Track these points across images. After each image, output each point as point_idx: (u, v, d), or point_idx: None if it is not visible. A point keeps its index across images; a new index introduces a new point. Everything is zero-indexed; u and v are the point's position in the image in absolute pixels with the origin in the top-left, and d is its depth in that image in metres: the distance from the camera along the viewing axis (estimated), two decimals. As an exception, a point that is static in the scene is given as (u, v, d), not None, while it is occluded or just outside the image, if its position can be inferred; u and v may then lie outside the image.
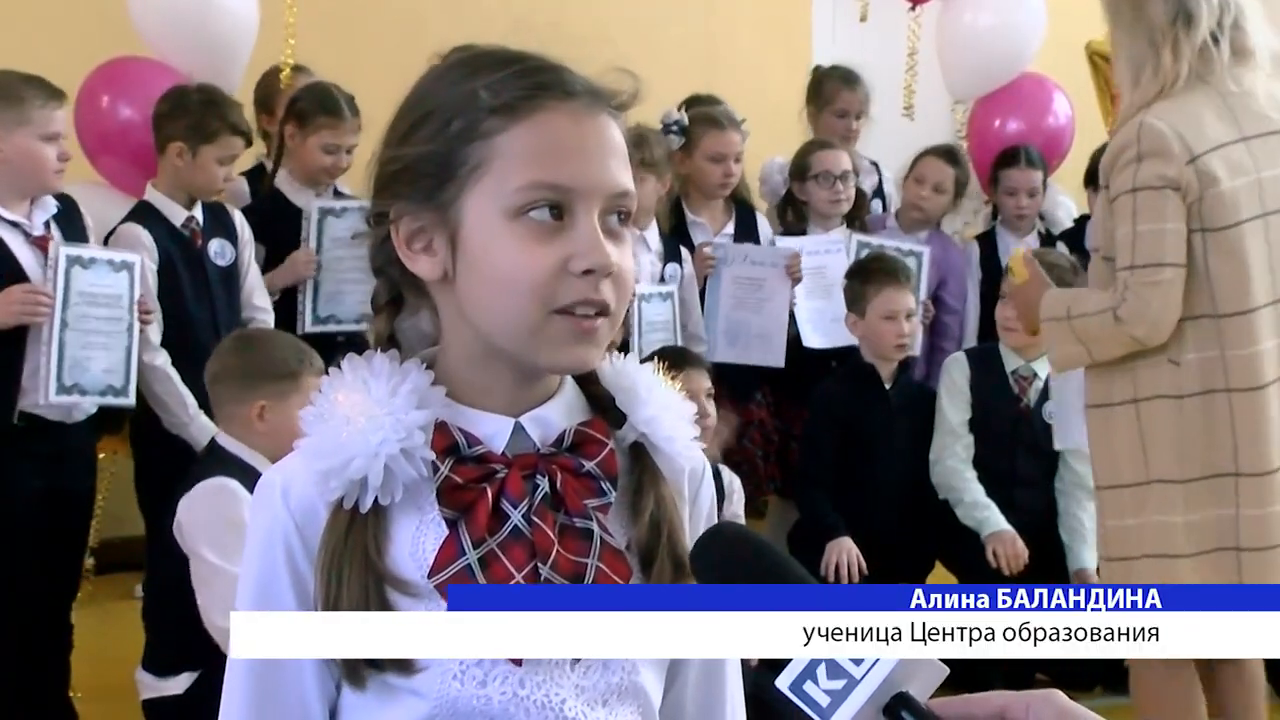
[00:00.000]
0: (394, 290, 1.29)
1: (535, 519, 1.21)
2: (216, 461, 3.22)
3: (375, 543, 1.21)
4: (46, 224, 3.67)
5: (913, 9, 5.43)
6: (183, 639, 3.25)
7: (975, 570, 4.31)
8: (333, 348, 4.06)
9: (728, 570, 1.02)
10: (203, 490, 3.15)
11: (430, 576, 1.20)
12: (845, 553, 4.15)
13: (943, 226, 5.15)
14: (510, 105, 1.20)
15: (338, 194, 4.38)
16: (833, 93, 5.20)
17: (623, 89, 1.25)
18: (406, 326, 1.30)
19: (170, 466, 3.91)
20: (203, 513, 3.12)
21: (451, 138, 1.21)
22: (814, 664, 0.93)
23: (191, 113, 3.97)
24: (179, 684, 3.28)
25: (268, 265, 4.26)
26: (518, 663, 1.20)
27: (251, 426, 3.21)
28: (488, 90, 1.20)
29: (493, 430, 1.25)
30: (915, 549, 4.40)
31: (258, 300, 4.12)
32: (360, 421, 1.21)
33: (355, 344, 4.29)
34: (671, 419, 1.30)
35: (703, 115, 4.67)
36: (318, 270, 4.20)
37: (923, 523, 4.37)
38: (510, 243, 1.19)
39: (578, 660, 1.22)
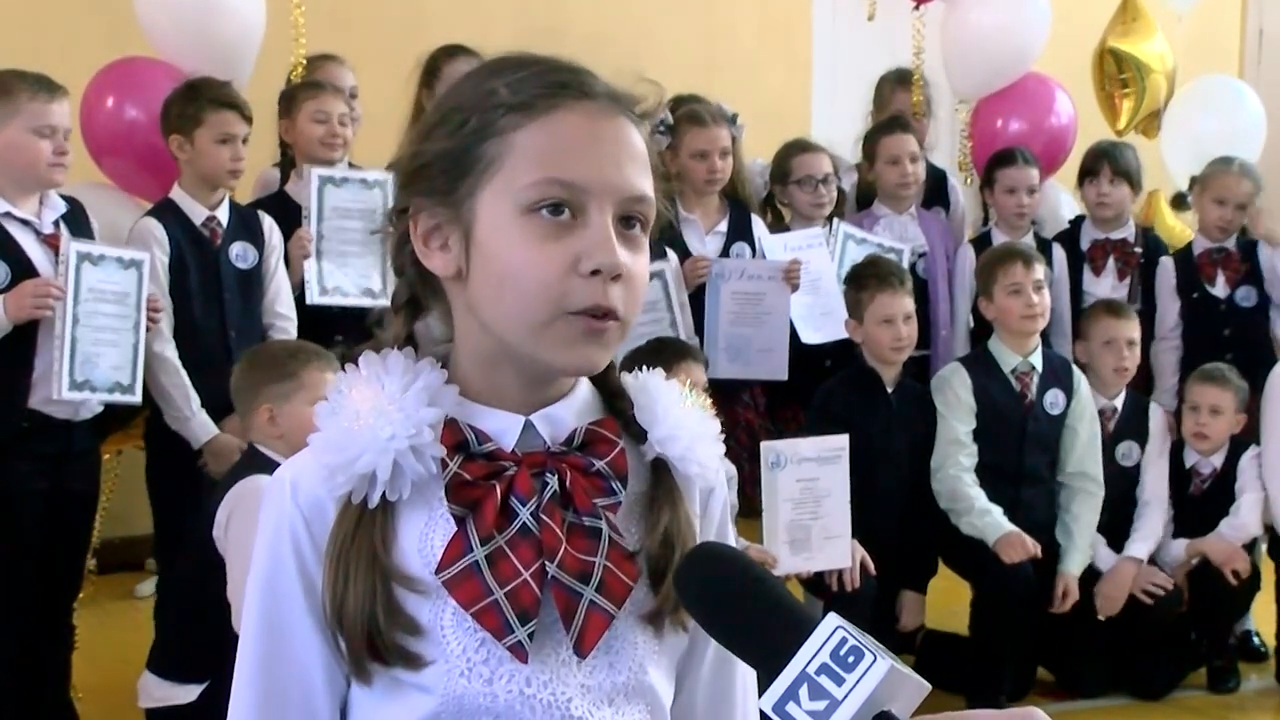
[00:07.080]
0: (412, 290, 1.29)
1: (544, 517, 1.21)
2: (256, 462, 3.22)
3: (383, 539, 1.21)
4: (56, 223, 3.67)
5: (916, 8, 5.42)
6: (195, 642, 3.23)
7: (980, 572, 4.31)
8: (332, 321, 4.05)
9: (710, 588, 1.03)
10: (249, 492, 3.09)
11: (437, 573, 1.20)
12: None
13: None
14: (527, 103, 1.20)
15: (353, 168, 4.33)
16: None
17: (646, 96, 1.26)
18: (420, 328, 1.30)
19: (182, 464, 3.91)
20: (248, 520, 3.09)
21: (468, 134, 1.21)
22: (797, 684, 0.94)
23: (178, 102, 3.98)
24: (188, 693, 3.24)
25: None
26: (523, 659, 1.20)
27: (267, 431, 3.25)
28: (507, 88, 1.21)
29: (503, 427, 1.24)
30: (918, 551, 4.40)
31: (279, 307, 4.08)
32: (370, 417, 1.21)
33: (352, 316, 4.20)
34: (688, 438, 1.30)
35: (686, 113, 4.58)
36: (319, 241, 4.13)
37: (925, 525, 4.36)
38: (520, 239, 1.19)
39: (584, 658, 1.22)
